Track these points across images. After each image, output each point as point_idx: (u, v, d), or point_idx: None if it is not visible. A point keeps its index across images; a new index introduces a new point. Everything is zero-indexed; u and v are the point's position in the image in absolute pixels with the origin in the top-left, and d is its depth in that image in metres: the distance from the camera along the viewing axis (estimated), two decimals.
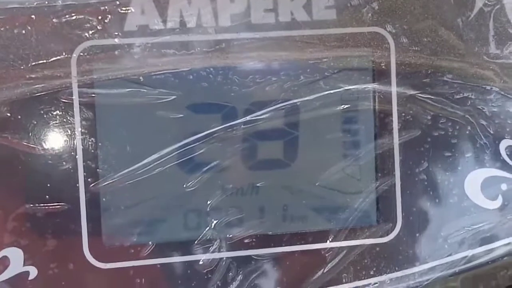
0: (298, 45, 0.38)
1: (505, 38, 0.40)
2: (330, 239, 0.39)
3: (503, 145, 0.41)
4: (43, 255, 0.37)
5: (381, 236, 0.40)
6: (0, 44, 0.36)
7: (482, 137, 0.40)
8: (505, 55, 0.40)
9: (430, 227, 0.40)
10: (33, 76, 0.36)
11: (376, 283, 0.40)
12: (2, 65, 0.36)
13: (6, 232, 0.37)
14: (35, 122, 0.37)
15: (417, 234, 0.40)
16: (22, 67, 0.36)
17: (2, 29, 0.36)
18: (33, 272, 0.37)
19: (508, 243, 0.41)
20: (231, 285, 0.39)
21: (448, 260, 0.40)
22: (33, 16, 0.36)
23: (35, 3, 0.36)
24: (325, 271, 0.39)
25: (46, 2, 0.36)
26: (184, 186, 0.38)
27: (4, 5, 0.36)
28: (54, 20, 0.36)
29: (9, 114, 0.36)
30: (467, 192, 0.40)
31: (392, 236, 0.40)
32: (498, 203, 0.41)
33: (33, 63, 0.36)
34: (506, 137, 0.41)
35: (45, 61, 0.36)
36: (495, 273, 0.41)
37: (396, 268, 0.40)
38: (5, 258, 0.37)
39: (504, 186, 0.41)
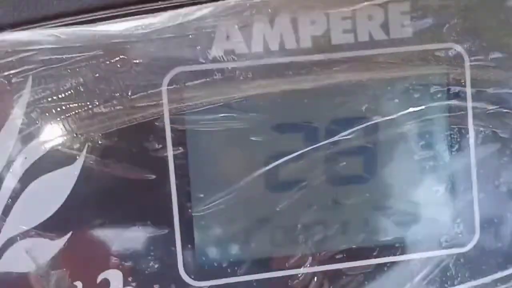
0: (381, 65, 0.40)
1: None
2: (414, 251, 0.41)
3: None
4: (143, 277, 0.38)
5: (462, 246, 0.41)
6: (102, 77, 0.37)
7: None
8: None
9: (509, 235, 0.42)
10: (134, 105, 0.37)
11: None
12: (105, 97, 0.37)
13: (108, 255, 0.38)
14: (134, 150, 0.38)
15: (498, 244, 0.41)
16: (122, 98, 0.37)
17: (107, 62, 0.37)
18: None
19: None
20: None
21: None
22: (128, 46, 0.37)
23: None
24: (413, 282, 0.41)
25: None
26: (273, 205, 0.40)
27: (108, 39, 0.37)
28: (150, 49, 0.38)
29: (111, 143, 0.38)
30: None
31: (471, 245, 0.41)
32: None
33: (131, 94, 0.37)
34: None
35: (143, 91, 0.37)
36: None
37: (479, 276, 0.41)
38: (106, 280, 0.38)
39: None
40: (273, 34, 0.39)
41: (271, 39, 0.39)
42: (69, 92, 0.37)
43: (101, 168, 0.37)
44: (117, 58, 0.37)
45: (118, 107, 0.37)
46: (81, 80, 0.37)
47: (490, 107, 0.41)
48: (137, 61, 0.37)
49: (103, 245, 0.38)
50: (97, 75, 0.37)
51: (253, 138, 0.39)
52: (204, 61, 0.38)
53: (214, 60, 0.38)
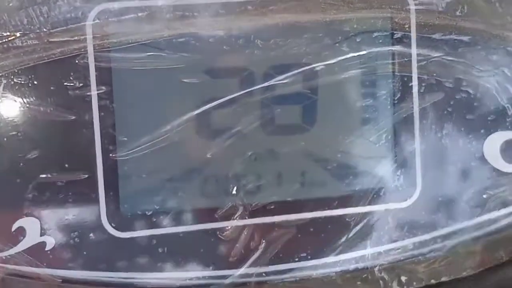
0: (321, 6, 0.38)
1: None
2: (353, 205, 0.39)
3: None
4: (60, 225, 0.36)
5: (402, 201, 0.39)
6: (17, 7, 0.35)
7: (504, 99, 0.40)
8: None
9: (450, 191, 0.40)
10: (52, 40, 0.35)
11: (399, 248, 0.40)
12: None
13: (23, 202, 0.36)
14: (52, 88, 0.35)
15: (439, 199, 0.40)
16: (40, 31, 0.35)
17: None
18: (50, 242, 0.36)
19: None
20: (254, 253, 0.38)
21: (470, 224, 0.40)
22: None
23: None
24: (349, 236, 0.39)
25: None
26: (204, 153, 0.37)
27: None
28: None
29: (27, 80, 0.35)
30: (486, 156, 0.40)
31: (412, 200, 0.40)
32: None
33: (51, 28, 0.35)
34: None
35: (63, 25, 0.35)
36: None
37: (419, 233, 0.40)
38: (22, 228, 0.36)
39: None
40: None
41: None
42: None
43: (16, 107, 0.35)
44: None
45: (35, 41, 0.35)
46: None
47: (435, 54, 0.39)
48: None
49: (18, 191, 0.36)
50: (11, 4, 0.34)
51: (184, 80, 0.37)
52: None
53: None
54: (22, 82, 0.35)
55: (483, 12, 0.39)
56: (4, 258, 0.36)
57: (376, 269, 0.40)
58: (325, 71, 0.38)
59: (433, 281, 0.40)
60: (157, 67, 0.36)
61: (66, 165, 0.36)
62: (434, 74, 0.39)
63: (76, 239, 0.37)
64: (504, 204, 0.40)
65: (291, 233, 0.38)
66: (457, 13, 0.39)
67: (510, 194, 0.40)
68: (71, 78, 0.36)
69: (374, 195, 0.39)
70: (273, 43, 0.37)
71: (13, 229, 0.36)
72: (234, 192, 0.38)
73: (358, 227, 0.39)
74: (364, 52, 0.38)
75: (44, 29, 0.35)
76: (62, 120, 0.36)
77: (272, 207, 0.38)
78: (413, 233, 0.40)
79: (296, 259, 0.39)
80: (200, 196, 0.38)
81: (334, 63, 0.38)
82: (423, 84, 0.39)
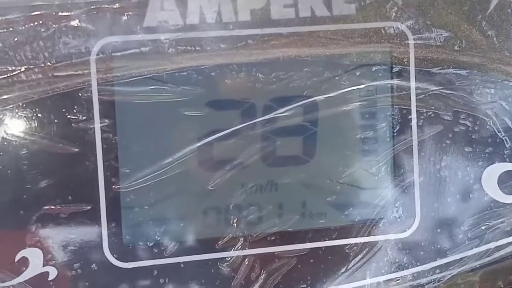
0: (322, 41, 0.38)
1: None
2: (352, 236, 0.39)
3: None
4: (63, 256, 0.37)
5: (401, 232, 0.40)
6: (23, 42, 0.35)
7: (502, 131, 0.40)
8: None
9: (450, 222, 0.40)
10: (56, 74, 0.35)
11: (398, 278, 0.40)
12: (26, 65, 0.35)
13: (26, 232, 0.36)
14: (56, 121, 0.36)
15: (438, 230, 0.40)
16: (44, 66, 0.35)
17: (26, 26, 0.35)
18: (53, 272, 0.37)
19: None
20: (255, 284, 0.38)
21: (469, 255, 0.40)
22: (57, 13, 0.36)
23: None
24: (348, 267, 0.39)
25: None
26: (205, 184, 0.38)
27: (28, 2, 0.35)
28: (75, 18, 0.36)
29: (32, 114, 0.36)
30: (484, 187, 0.41)
31: (411, 231, 0.40)
32: None
33: (56, 62, 0.36)
34: None
35: (68, 59, 0.36)
36: None
37: (418, 263, 0.40)
38: (25, 259, 0.36)
39: None
40: (210, 6, 0.37)
41: (207, 11, 0.37)
42: None
43: (21, 140, 0.35)
44: (39, 22, 0.35)
45: (39, 75, 0.35)
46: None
47: (433, 87, 0.39)
48: (64, 28, 0.35)
49: (22, 222, 0.36)
50: (16, 39, 0.35)
51: (186, 113, 0.38)
52: (136, 31, 0.36)
53: (147, 30, 0.36)
54: (27, 115, 0.36)
55: (480, 46, 0.39)
56: None
57: None
58: (325, 103, 0.39)
59: None
60: (160, 100, 0.37)
61: (70, 197, 0.36)
62: (433, 107, 0.39)
63: (78, 269, 0.37)
64: (503, 235, 0.41)
65: (291, 263, 0.39)
66: (455, 47, 0.39)
67: (508, 224, 0.41)
68: (74, 111, 0.36)
69: (373, 226, 0.40)
70: (274, 77, 0.38)
71: (16, 259, 0.36)
72: (235, 223, 0.38)
73: (357, 258, 0.39)
74: (363, 86, 0.39)
75: (49, 64, 0.35)
76: (65, 152, 0.36)
77: (273, 237, 0.39)
78: (412, 263, 0.40)
79: None
80: (201, 227, 0.38)
81: (334, 96, 0.39)
82: (422, 117, 0.39)
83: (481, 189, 0.41)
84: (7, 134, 0.35)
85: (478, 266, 0.41)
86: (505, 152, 0.40)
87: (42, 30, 0.35)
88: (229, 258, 0.38)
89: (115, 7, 0.36)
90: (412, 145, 0.40)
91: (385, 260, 0.40)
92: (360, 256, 0.39)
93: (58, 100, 0.36)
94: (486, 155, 0.40)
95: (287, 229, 0.39)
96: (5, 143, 0.36)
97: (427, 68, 0.39)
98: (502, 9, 0.40)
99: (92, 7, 0.36)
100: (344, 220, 0.40)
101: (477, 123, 0.40)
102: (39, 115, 0.36)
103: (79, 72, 0.36)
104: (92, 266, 0.37)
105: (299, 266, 0.39)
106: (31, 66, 0.35)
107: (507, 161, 0.40)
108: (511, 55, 0.40)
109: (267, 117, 0.38)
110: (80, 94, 0.36)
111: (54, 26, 0.35)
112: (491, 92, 0.40)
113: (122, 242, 0.37)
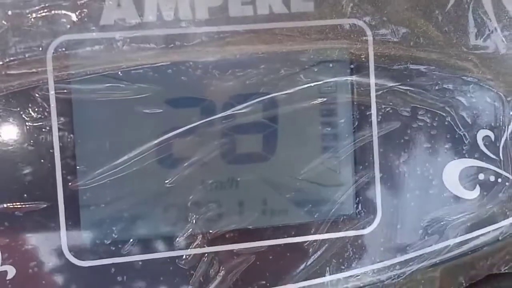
0: (278, 38, 0.38)
1: (483, 30, 0.40)
2: (312, 232, 0.39)
3: (480, 135, 0.41)
4: (21, 254, 0.37)
5: (362, 228, 0.40)
6: None
7: (461, 127, 0.40)
8: (484, 46, 0.40)
9: (410, 218, 0.40)
10: (10, 72, 0.35)
11: (358, 274, 0.40)
12: None
13: None
14: (10, 120, 0.36)
15: (398, 226, 0.40)
16: None
17: None
18: (11, 271, 0.37)
19: (487, 233, 0.41)
20: (213, 281, 0.38)
21: (429, 251, 0.40)
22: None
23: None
24: (308, 264, 0.39)
25: None
26: (164, 181, 0.38)
27: None
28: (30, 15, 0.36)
29: None
30: (445, 183, 0.41)
31: (372, 227, 0.40)
32: (476, 193, 0.41)
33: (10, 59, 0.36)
34: (484, 127, 0.41)
35: (21, 57, 0.36)
36: (474, 263, 0.41)
37: (378, 259, 0.40)
38: None
39: (481, 176, 0.41)
40: (167, 3, 0.37)
41: (164, 8, 0.37)
42: None
43: None
44: None
45: None
46: None
47: (392, 83, 0.39)
48: (18, 26, 0.35)
49: None
50: None
51: (144, 111, 0.38)
52: (92, 29, 0.36)
53: (103, 28, 0.37)
54: None
55: (438, 42, 0.40)
56: None
57: None
58: (284, 100, 0.39)
59: None
60: (116, 98, 0.37)
61: (25, 195, 0.36)
62: (392, 103, 0.39)
63: (37, 268, 0.37)
64: (463, 231, 0.41)
65: (250, 260, 0.39)
66: (412, 43, 0.39)
67: (469, 220, 0.41)
68: (30, 109, 0.36)
69: (333, 223, 0.40)
70: (230, 74, 0.38)
71: None
72: (194, 220, 0.38)
73: (317, 254, 0.39)
74: (321, 82, 0.39)
75: (1, 62, 0.35)
76: (21, 151, 0.36)
77: (231, 235, 0.39)
78: (372, 260, 0.40)
79: (255, 287, 0.39)
80: (160, 224, 0.38)
81: (292, 92, 0.39)
82: (381, 113, 0.39)
83: (442, 185, 0.41)
84: None
85: (438, 262, 0.41)
86: (464, 148, 0.40)
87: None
88: (188, 256, 0.38)
89: (72, 4, 0.36)
90: (372, 141, 0.40)
91: (345, 256, 0.40)
92: (319, 253, 0.39)
93: (12, 98, 0.36)
94: (446, 151, 0.40)
95: (247, 226, 0.39)
96: None
97: (385, 65, 0.39)
98: (459, 5, 0.40)
99: (48, 5, 0.36)
100: (304, 217, 0.40)
101: (436, 119, 0.40)
102: None
103: (34, 70, 0.36)
104: (50, 264, 0.37)
105: (258, 263, 0.39)
106: None
107: (466, 157, 0.41)
108: (469, 50, 0.40)
109: (225, 114, 0.38)
110: (35, 93, 0.36)
111: (6, 24, 0.35)
112: (449, 88, 0.40)
113: (80, 240, 0.37)
